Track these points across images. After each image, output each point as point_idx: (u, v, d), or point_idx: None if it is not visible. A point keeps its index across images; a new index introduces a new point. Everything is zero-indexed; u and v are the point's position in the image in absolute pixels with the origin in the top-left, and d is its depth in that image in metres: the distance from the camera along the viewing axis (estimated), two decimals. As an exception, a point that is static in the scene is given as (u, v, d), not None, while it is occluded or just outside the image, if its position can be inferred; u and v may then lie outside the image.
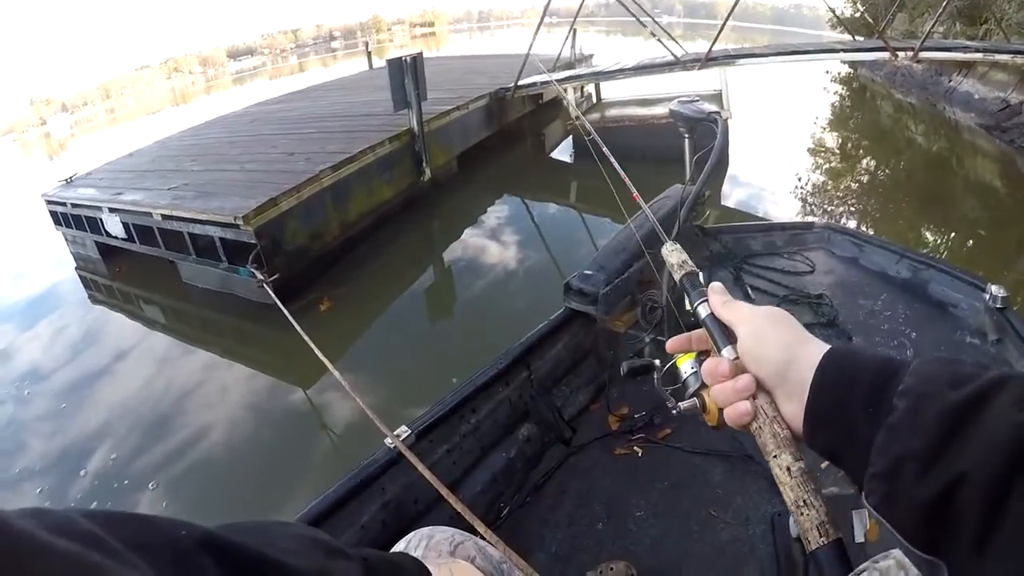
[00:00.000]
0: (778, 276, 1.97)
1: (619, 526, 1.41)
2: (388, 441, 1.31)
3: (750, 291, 1.91)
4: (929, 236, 4.29)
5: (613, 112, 6.75)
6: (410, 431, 1.35)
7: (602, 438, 1.67)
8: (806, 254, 2.09)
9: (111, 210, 4.94)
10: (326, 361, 1.69)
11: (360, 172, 4.96)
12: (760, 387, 0.51)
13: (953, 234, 4.30)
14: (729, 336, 0.54)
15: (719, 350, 0.54)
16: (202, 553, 0.33)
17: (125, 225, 4.87)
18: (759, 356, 0.51)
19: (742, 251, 2.13)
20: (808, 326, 1.66)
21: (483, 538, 0.71)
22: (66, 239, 5.91)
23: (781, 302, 1.83)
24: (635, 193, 1.29)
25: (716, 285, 0.59)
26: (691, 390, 0.58)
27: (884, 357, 0.44)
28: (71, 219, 5.52)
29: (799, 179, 5.57)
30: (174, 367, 4.09)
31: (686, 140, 2.06)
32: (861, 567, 0.64)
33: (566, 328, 1.81)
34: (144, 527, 0.33)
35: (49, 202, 5.71)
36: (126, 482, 2.96)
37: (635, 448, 1.62)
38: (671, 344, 0.61)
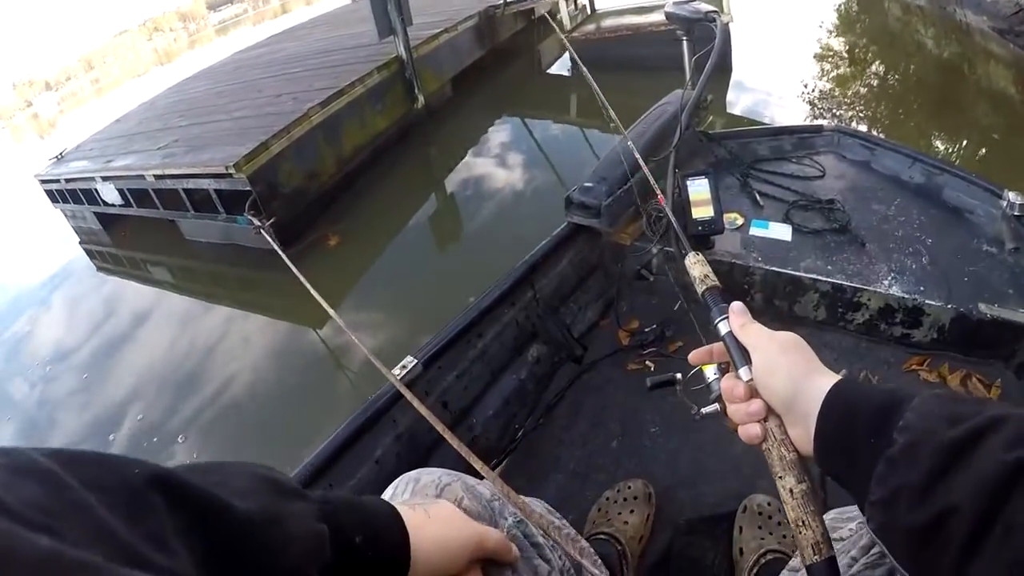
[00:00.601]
0: (787, 181, 1.89)
1: (634, 443, 1.41)
2: (396, 371, 1.29)
3: (758, 197, 1.83)
4: (940, 144, 4.13)
5: (608, 23, 6.40)
6: (416, 360, 1.33)
7: (613, 354, 1.65)
8: (815, 158, 1.99)
9: (104, 178, 4.87)
10: (323, 302, 1.66)
11: (350, 105, 4.80)
12: (771, 411, 0.55)
13: (966, 141, 4.13)
14: (747, 356, 0.58)
15: (736, 368, 0.59)
16: (152, 491, 0.34)
17: (120, 191, 4.81)
18: (768, 385, 0.55)
19: (749, 156, 2.03)
20: (820, 232, 1.61)
21: (480, 476, 0.70)
22: (65, 215, 5.88)
23: (791, 207, 1.76)
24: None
25: (737, 305, 0.62)
26: (714, 395, 0.63)
27: (887, 391, 0.47)
28: (67, 194, 5.47)
29: (805, 85, 5.33)
30: (188, 324, 4.14)
31: (684, 42, 1.94)
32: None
33: (570, 244, 1.75)
34: (101, 467, 0.33)
35: (43, 181, 5.65)
36: (155, 439, 3.03)
37: (647, 363, 1.60)
38: (694, 356, 0.66)
